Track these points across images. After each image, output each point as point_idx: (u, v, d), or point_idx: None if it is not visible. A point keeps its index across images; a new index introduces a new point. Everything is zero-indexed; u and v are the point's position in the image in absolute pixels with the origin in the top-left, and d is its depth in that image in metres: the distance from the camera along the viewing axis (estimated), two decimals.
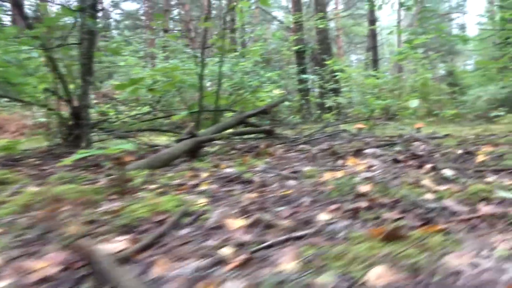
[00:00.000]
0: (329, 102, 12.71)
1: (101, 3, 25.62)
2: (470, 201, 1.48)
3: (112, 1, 27.10)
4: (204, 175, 2.41)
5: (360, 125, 5.58)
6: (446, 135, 3.79)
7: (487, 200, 1.49)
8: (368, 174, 2.04)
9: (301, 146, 3.62)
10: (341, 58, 26.76)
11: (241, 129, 3.85)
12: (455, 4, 34.35)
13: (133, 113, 11.43)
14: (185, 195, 1.90)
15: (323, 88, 13.15)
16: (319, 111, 13.62)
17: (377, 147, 3.14)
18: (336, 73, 11.74)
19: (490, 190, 1.56)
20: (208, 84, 12.25)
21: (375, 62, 20.23)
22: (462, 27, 35.55)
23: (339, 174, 2.13)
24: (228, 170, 2.52)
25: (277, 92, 9.69)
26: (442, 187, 1.69)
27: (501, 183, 1.73)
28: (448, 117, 11.62)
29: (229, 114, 5.98)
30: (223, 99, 5.36)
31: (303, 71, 14.07)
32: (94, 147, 4.20)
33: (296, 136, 4.07)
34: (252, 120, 4.60)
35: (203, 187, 2.11)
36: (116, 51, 5.15)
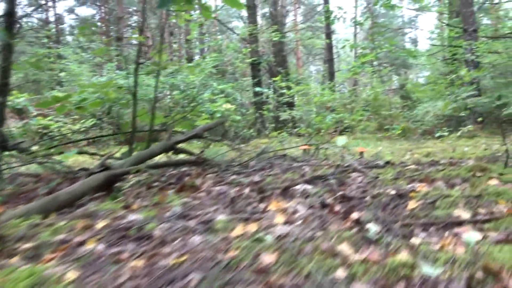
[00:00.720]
0: (283, 116, 12.56)
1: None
2: (387, 283, 1.21)
3: (67, 6, 25.98)
4: (100, 225, 2.04)
5: (305, 147, 5.36)
6: (387, 163, 3.60)
7: (407, 280, 1.22)
8: (284, 229, 1.75)
9: (234, 176, 3.30)
10: (300, 69, 26.96)
11: (160, 161, 3.46)
12: (407, 19, 35.67)
13: (77, 126, 10.77)
14: (54, 264, 1.53)
15: (278, 101, 13.00)
16: (273, 124, 13.44)
17: (311, 180, 2.88)
18: (289, 87, 11.62)
19: (412, 265, 1.30)
20: (161, 95, 11.77)
21: (331, 74, 20.46)
22: (414, 42, 36.91)
23: (253, 227, 1.83)
24: (133, 216, 2.16)
25: (227, 106, 9.39)
26: (360, 255, 1.42)
27: (429, 247, 1.49)
28: (398, 132, 11.76)
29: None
30: (160, 118, 4.97)
31: (258, 84, 13.87)
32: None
33: (231, 164, 3.75)
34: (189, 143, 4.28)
35: (88, 246, 1.74)
36: (38, 65, 4.65)
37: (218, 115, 9.54)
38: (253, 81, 14.16)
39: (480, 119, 10.51)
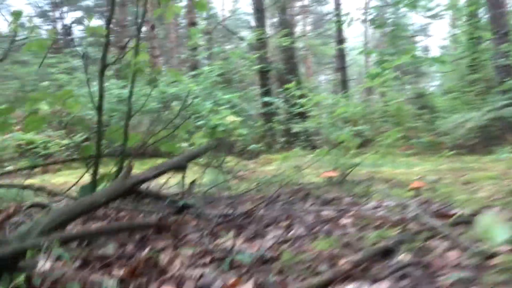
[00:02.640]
0: (295, 128, 11.25)
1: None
2: None
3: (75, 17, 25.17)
4: None
5: (329, 173, 4.05)
6: (472, 215, 2.27)
7: None
8: None
9: (227, 242, 1.99)
10: (310, 78, 25.72)
11: (89, 230, 2.06)
12: (418, 27, 34.37)
13: (65, 141, 9.56)
14: None
15: (289, 112, 11.71)
16: (284, 138, 12.12)
17: (367, 266, 1.56)
18: (301, 97, 10.36)
19: None
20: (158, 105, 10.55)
21: (343, 83, 19.23)
22: (426, 49, 35.57)
23: None
24: None
25: (231, 119, 8.12)
26: None
27: None
28: (425, 146, 10.43)
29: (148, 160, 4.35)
30: (136, 137, 3.69)
31: (267, 93, 12.61)
32: None
33: (227, 214, 2.43)
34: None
35: None
36: None
37: (221, 129, 8.28)
38: (262, 90, 12.91)
39: None
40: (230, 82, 13.14)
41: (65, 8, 23.90)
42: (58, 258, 1.92)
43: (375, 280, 1.43)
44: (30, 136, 9.36)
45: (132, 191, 2.28)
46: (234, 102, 11.03)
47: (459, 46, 17.22)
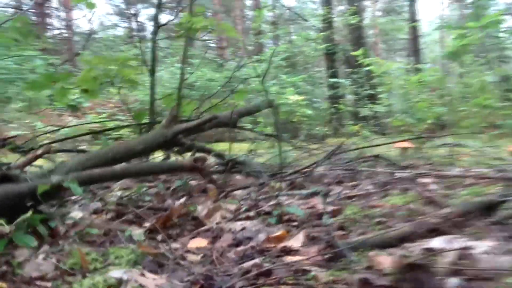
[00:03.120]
0: (364, 111, 10.58)
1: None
2: None
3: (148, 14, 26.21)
4: None
5: (404, 144, 3.55)
6: None
7: None
8: None
9: (281, 197, 1.67)
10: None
11: (117, 167, 1.78)
12: (504, 6, 31.20)
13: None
14: None
15: (357, 94, 11.05)
16: (352, 122, 11.47)
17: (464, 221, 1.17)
18: (372, 75, 9.69)
19: None
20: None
21: (417, 70, 17.93)
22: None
23: None
24: None
25: (295, 98, 7.75)
26: None
27: None
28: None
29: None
30: (192, 105, 3.49)
31: (333, 76, 12.02)
32: None
33: (281, 171, 2.12)
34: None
35: None
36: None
37: (286, 109, 7.95)
38: (328, 72, 12.34)
39: None
40: (295, 66, 12.73)
41: (139, 5, 24.89)
42: (95, 211, 1.74)
43: (476, 237, 1.03)
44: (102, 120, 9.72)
45: (175, 142, 2.03)
46: (299, 85, 10.63)
47: None
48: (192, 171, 1.68)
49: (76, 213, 1.62)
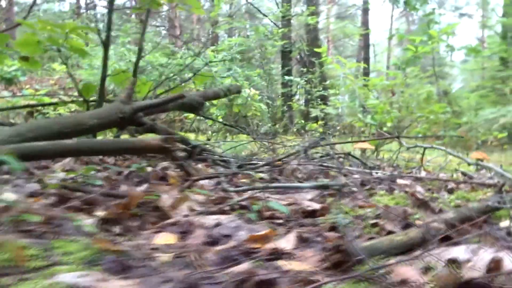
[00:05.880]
0: (315, 112, 10.68)
1: None
2: None
3: None
4: None
5: (363, 145, 3.50)
6: None
7: None
8: None
9: (251, 191, 1.48)
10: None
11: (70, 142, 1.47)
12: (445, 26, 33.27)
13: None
14: None
15: (310, 94, 11.12)
16: (302, 121, 11.54)
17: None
18: (325, 77, 9.78)
19: None
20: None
21: (366, 75, 18.51)
22: (452, 49, 34.38)
23: None
24: None
25: (250, 92, 7.59)
26: None
27: None
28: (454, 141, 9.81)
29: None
30: (148, 85, 3.20)
31: (287, 73, 12.02)
32: None
33: (250, 162, 1.93)
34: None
35: None
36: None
37: (239, 102, 7.76)
38: (283, 70, 12.34)
39: None
40: (250, 60, 12.58)
41: None
42: (32, 194, 1.45)
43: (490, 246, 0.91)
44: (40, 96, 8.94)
45: (133, 121, 1.77)
46: (254, 79, 10.49)
47: (490, 44, 16.46)
48: (160, 152, 1.44)
49: (9, 195, 1.34)
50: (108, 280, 0.70)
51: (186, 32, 19.54)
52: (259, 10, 14.03)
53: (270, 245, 0.98)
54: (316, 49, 8.28)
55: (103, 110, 1.68)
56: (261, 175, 1.67)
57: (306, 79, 11.10)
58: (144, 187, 1.45)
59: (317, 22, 12.87)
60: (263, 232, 1.04)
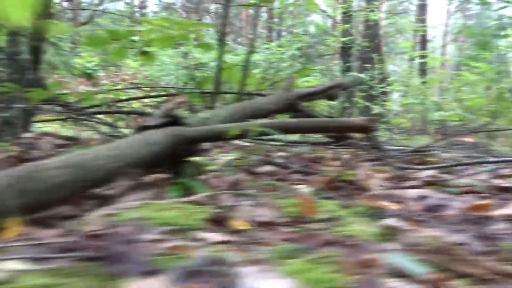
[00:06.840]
0: (377, 108, 10.56)
1: None
2: None
3: None
4: None
5: (467, 139, 3.50)
6: None
7: None
8: None
9: (426, 172, 1.57)
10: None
11: (293, 120, 1.67)
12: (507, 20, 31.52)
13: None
14: None
15: (373, 90, 11.00)
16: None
17: None
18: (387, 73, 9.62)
19: None
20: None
21: (423, 72, 17.93)
22: None
23: None
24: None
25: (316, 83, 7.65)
26: None
27: None
28: None
29: None
30: (254, 78, 3.37)
31: (348, 69, 11.96)
32: None
33: (403, 151, 2.02)
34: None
35: None
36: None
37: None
38: (342, 66, 12.27)
39: None
40: (310, 57, 12.61)
41: None
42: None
43: None
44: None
45: (294, 107, 1.91)
46: (316, 75, 10.54)
47: None
48: (362, 131, 1.57)
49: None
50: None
51: (234, 29, 19.82)
52: (320, 9, 13.99)
53: (498, 212, 1.07)
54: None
55: (274, 97, 1.85)
56: (448, 154, 1.76)
57: (369, 75, 11.00)
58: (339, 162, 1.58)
59: (379, 19, 12.71)
60: (483, 202, 1.14)
